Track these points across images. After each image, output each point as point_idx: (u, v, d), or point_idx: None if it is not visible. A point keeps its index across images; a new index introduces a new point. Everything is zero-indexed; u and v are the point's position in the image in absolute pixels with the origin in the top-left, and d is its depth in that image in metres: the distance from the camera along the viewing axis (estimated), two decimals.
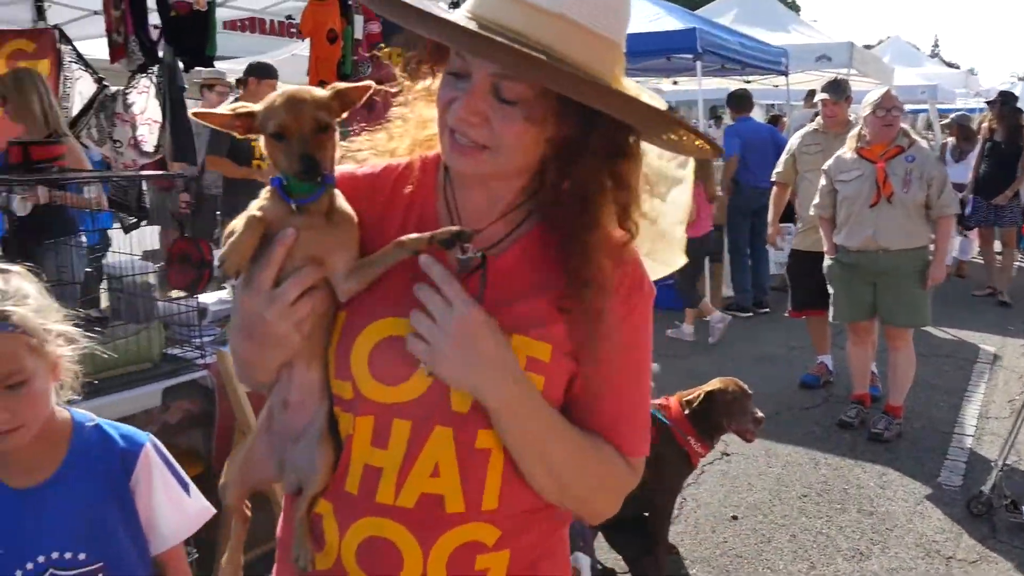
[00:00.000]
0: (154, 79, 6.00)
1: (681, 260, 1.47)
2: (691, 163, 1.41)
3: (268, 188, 1.16)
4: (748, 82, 12.36)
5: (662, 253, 1.43)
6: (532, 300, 1.18)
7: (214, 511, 1.80)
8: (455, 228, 1.16)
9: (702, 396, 3.55)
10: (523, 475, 1.18)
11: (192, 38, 4.40)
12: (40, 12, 6.57)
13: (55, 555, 1.58)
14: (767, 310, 8.23)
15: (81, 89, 6.59)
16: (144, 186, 6.14)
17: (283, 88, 1.19)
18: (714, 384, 3.62)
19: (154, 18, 4.99)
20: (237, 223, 1.15)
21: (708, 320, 7.24)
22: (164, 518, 1.74)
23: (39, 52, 6.47)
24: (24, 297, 1.56)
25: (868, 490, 4.45)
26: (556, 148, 1.17)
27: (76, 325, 2.99)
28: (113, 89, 6.30)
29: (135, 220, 6.04)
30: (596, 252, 1.17)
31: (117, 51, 5.14)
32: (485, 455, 1.16)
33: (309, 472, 1.19)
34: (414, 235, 1.16)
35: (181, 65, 5.24)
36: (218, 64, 10.47)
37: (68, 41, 6.41)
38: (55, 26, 6.52)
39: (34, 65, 6.36)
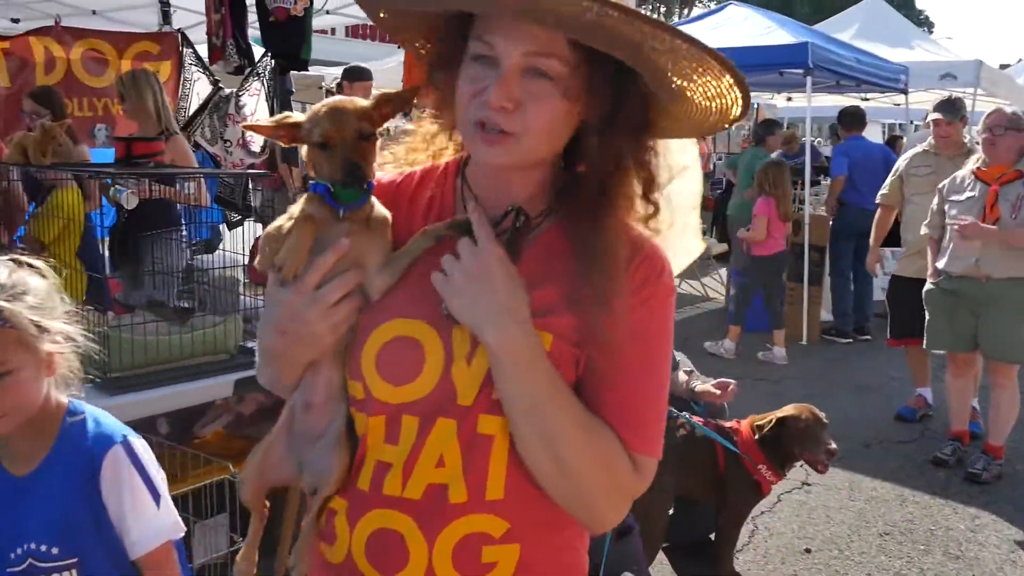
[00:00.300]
0: (265, 82, 6.28)
1: (698, 246, 1.43)
2: (694, 149, 1.38)
3: (309, 194, 1.20)
4: (866, 99, 11.91)
5: (675, 240, 1.40)
6: (538, 289, 1.17)
7: (184, 529, 1.80)
8: (468, 217, 1.19)
9: (773, 422, 3.43)
10: (519, 448, 1.14)
11: (289, 42, 4.57)
12: (166, 16, 6.96)
13: (34, 546, 1.62)
14: (868, 337, 7.90)
15: (199, 90, 6.94)
16: (250, 185, 6.41)
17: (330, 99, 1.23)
18: (787, 410, 3.50)
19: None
20: (277, 227, 1.19)
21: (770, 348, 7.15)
22: (131, 524, 1.70)
23: (162, 54, 6.86)
24: (22, 292, 1.61)
25: (957, 533, 4.21)
26: (579, 131, 1.18)
27: (164, 316, 3.15)
28: (227, 91, 6.61)
29: (240, 217, 6.32)
30: (610, 237, 1.17)
31: (215, 54, 5.39)
32: (487, 441, 1.15)
33: (324, 474, 1.22)
34: (435, 224, 1.21)
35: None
36: (330, 70, 10.89)
37: (189, 44, 6.76)
38: (178, 30, 6.89)
39: (157, 66, 6.76)
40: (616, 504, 1.21)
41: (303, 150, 1.22)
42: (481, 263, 1.11)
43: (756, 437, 3.42)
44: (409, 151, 1.36)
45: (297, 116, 1.21)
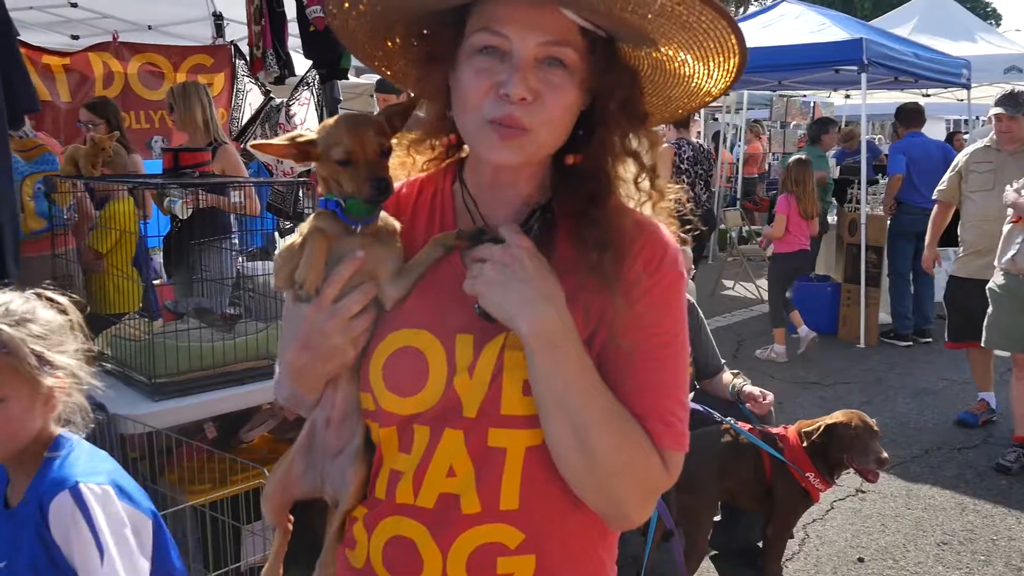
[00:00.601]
0: (314, 91, 6.38)
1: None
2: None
3: (318, 211, 1.20)
4: (927, 95, 11.60)
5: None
6: None
7: None
8: (479, 226, 1.20)
9: (822, 429, 3.33)
10: (548, 440, 1.11)
11: (329, 52, 4.63)
12: (219, 29, 7.12)
13: None
14: (928, 340, 7.67)
15: (251, 101, 7.10)
16: (301, 192, 6.51)
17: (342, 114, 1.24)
18: (836, 417, 3.39)
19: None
20: (290, 246, 1.20)
21: (797, 333, 7.10)
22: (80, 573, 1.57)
23: (216, 66, 7.03)
24: (28, 321, 1.58)
25: (1021, 543, 4.04)
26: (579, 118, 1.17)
27: (211, 322, 3.20)
28: (278, 101, 6.73)
29: (291, 225, 6.42)
30: (614, 217, 1.16)
31: (256, 64, 5.48)
32: (500, 454, 1.14)
33: (343, 488, 1.24)
34: (445, 232, 1.20)
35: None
36: (375, 77, 10.99)
37: (242, 56, 6.90)
38: (231, 42, 7.05)
39: (211, 78, 6.94)
40: (642, 499, 1.17)
41: (315, 167, 1.21)
42: (511, 254, 1.09)
43: (804, 444, 3.32)
44: (398, 166, 1.32)
45: (308, 134, 1.20)
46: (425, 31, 1.21)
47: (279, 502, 1.32)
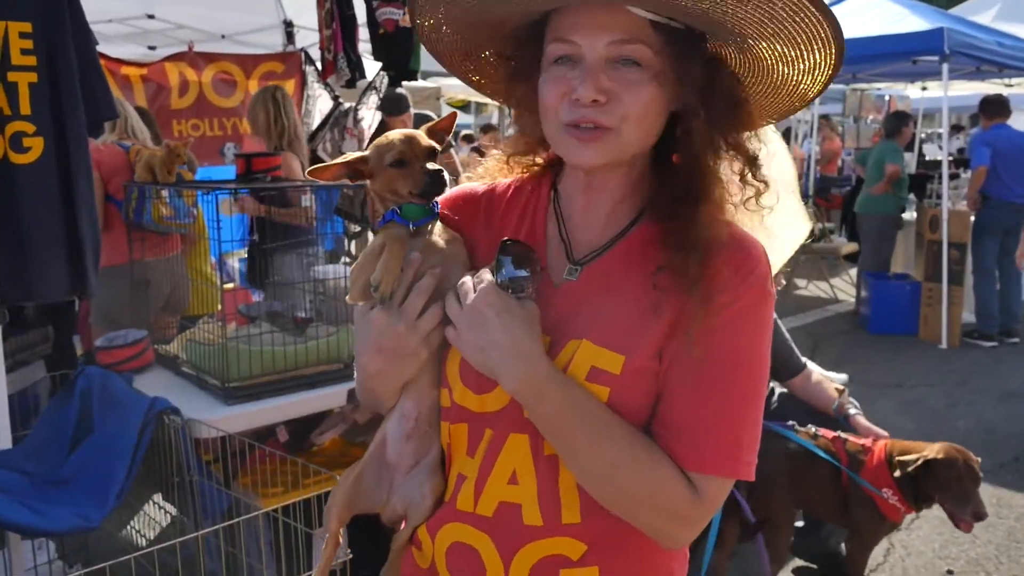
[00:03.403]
0: (380, 95, 6.43)
1: (804, 230, 1.34)
2: (776, 135, 1.29)
3: (385, 224, 1.23)
4: (1009, 86, 11.13)
5: (781, 228, 1.33)
6: (619, 307, 1.13)
7: None
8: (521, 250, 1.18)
9: (920, 463, 2.95)
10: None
11: (398, 53, 4.64)
12: (290, 37, 7.24)
13: None
14: (1016, 340, 7.35)
15: (320, 106, 7.19)
16: (368, 196, 6.56)
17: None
18: (937, 451, 2.98)
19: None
20: (362, 257, 1.22)
21: None
22: None
23: (286, 73, 7.13)
24: None
25: None
26: (671, 119, 1.15)
27: (283, 326, 3.23)
28: (346, 106, 6.81)
29: (360, 228, 6.49)
30: (705, 221, 1.12)
31: (328, 68, 5.54)
32: (555, 462, 1.13)
33: (418, 502, 1.23)
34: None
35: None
36: (445, 80, 11.04)
37: (311, 62, 7.00)
38: (301, 49, 7.15)
39: (282, 84, 7.06)
40: (675, 527, 1.12)
41: (369, 186, 1.25)
42: (477, 311, 1.09)
43: (895, 474, 2.99)
44: (496, 172, 1.36)
45: (356, 153, 1.25)
46: (508, 53, 1.23)
47: (344, 515, 1.31)
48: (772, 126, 1.30)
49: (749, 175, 1.17)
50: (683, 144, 1.14)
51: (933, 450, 2.97)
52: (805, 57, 1.09)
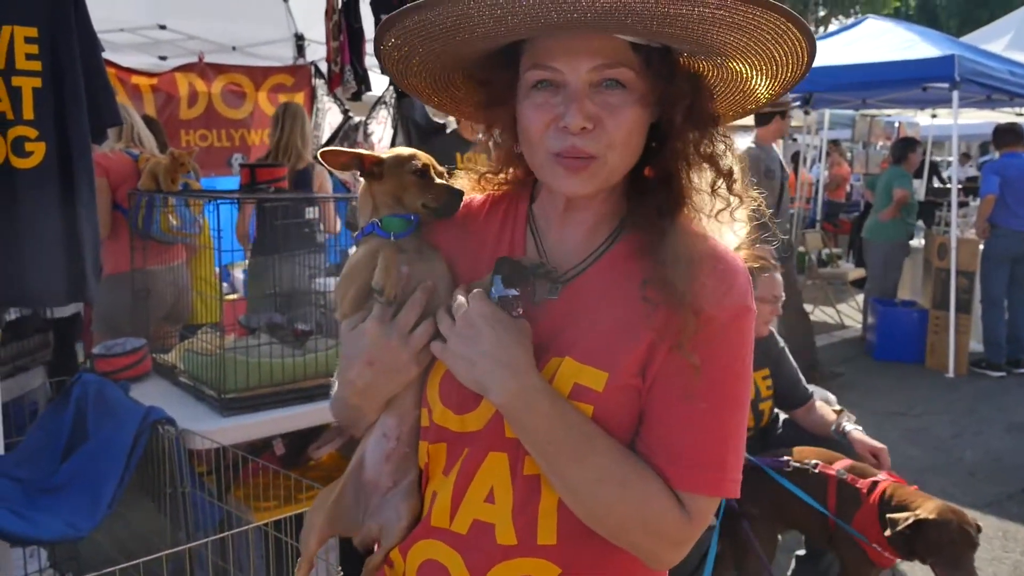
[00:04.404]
0: (391, 110, 6.44)
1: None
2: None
3: (365, 237, 1.21)
4: (1020, 115, 11.11)
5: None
6: (601, 323, 1.11)
7: None
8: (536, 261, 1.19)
9: (910, 522, 2.70)
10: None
11: None
12: (300, 50, 7.27)
13: None
14: (1023, 370, 7.28)
15: (330, 120, 7.21)
16: None
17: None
18: (931, 510, 2.73)
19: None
20: (346, 272, 1.21)
21: None
22: None
23: (296, 85, 7.17)
24: None
25: None
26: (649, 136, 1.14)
27: (282, 338, 3.20)
28: (356, 119, 6.82)
29: None
30: (684, 232, 1.12)
31: (334, 80, 5.55)
32: (535, 482, 1.11)
33: (393, 523, 1.21)
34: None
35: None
36: None
37: (321, 76, 7.02)
38: (311, 62, 7.18)
39: (291, 97, 7.07)
40: (662, 547, 1.10)
41: (371, 188, 1.24)
42: (470, 324, 1.08)
43: (886, 533, 2.74)
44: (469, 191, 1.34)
45: (379, 154, 1.24)
46: (482, 78, 1.21)
47: (324, 536, 1.28)
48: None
49: (722, 187, 1.16)
50: (660, 157, 1.15)
51: (927, 509, 2.72)
52: (778, 73, 1.11)
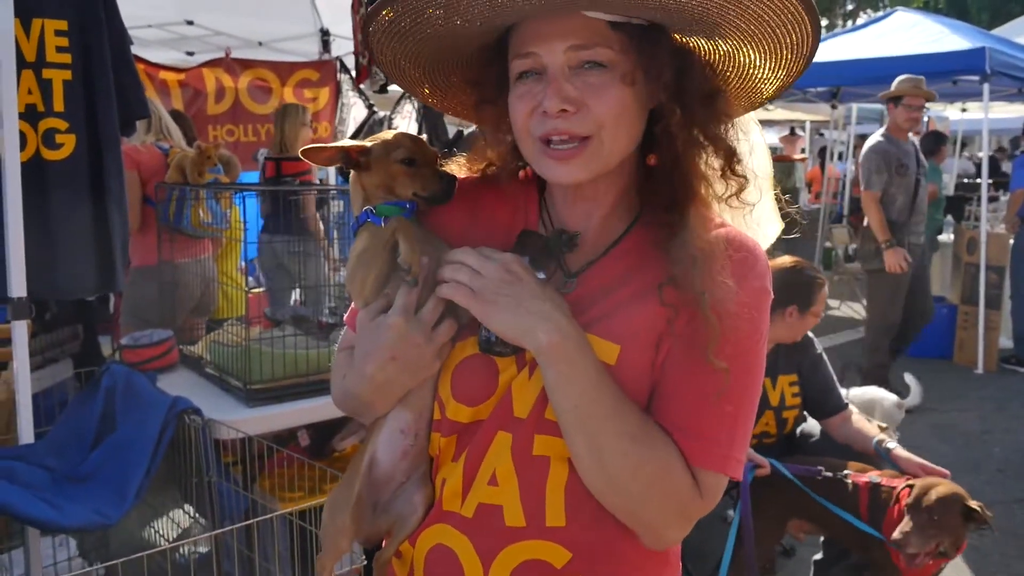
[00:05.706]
0: (415, 104, 6.44)
1: (778, 225, 1.31)
2: (756, 127, 1.26)
3: (363, 225, 1.19)
4: None
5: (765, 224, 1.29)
6: (614, 296, 1.12)
7: None
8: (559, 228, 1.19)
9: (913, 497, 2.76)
10: (572, 459, 1.08)
11: None
12: (326, 45, 7.30)
13: None
14: None
15: (355, 115, 7.23)
16: None
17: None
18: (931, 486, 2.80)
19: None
20: (353, 261, 1.19)
21: None
22: None
23: (321, 81, 7.20)
24: None
25: None
26: (649, 121, 1.13)
27: (307, 330, 3.22)
28: (381, 114, 6.84)
29: None
30: (697, 225, 1.10)
31: (361, 72, 5.56)
32: (543, 463, 1.10)
33: (408, 514, 1.20)
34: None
35: None
36: None
37: (346, 71, 7.05)
38: (336, 57, 7.20)
39: (316, 92, 7.12)
40: (674, 521, 1.11)
41: (360, 177, 1.21)
42: (512, 271, 1.07)
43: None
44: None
45: (361, 143, 1.21)
46: (472, 78, 1.22)
47: (351, 539, 1.22)
48: (754, 116, 1.27)
49: (730, 170, 1.14)
50: (663, 143, 1.12)
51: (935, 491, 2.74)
52: (775, 49, 1.08)
